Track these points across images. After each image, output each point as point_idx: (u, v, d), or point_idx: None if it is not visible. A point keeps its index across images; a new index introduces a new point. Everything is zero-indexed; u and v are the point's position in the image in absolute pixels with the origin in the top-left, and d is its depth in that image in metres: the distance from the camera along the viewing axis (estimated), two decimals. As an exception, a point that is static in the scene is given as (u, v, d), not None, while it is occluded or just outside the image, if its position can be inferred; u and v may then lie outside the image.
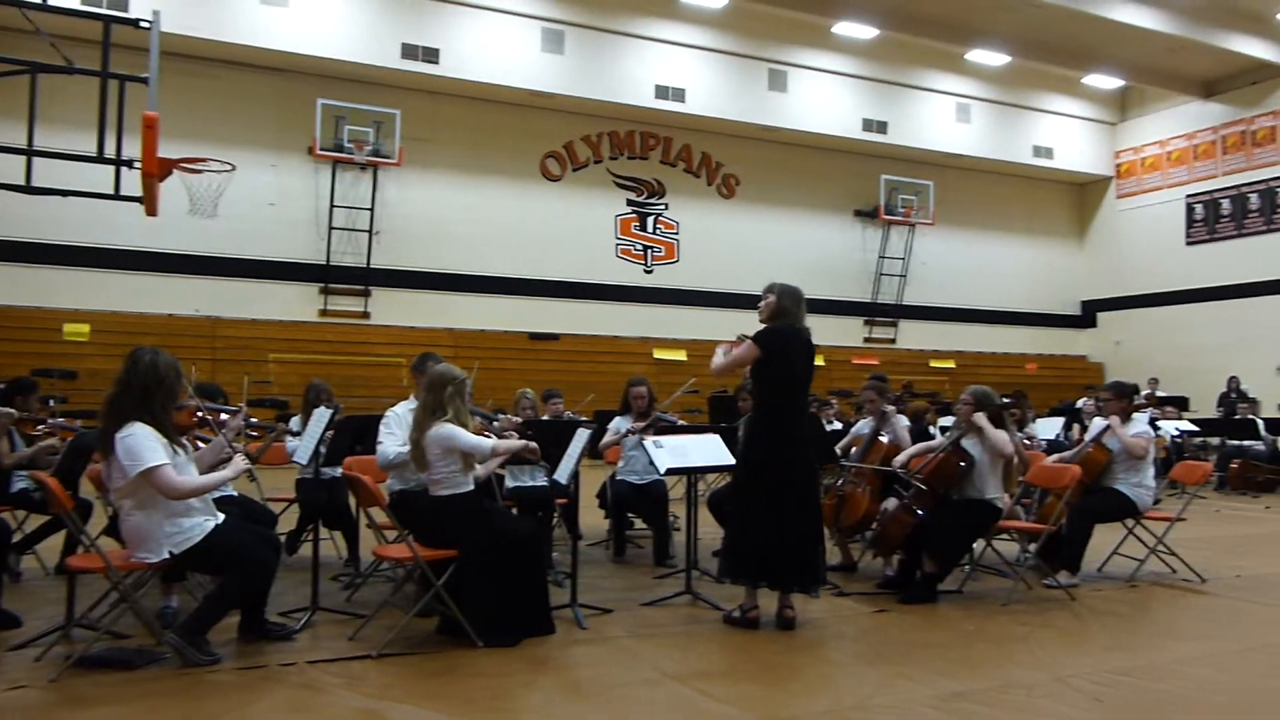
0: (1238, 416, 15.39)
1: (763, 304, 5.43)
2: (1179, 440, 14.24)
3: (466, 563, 4.83)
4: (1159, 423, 13.93)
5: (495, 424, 5.89)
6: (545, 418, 7.80)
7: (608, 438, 7.59)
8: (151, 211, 7.85)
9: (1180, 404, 16.47)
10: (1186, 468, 7.44)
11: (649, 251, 20.27)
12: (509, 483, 6.92)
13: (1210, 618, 5.87)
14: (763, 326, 5.38)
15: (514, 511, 6.49)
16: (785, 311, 5.37)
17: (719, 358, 5.40)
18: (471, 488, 5.05)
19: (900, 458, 6.51)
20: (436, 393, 5.00)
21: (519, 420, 5.91)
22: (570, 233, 19.34)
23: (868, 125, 21.05)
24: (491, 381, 15.37)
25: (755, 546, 5.17)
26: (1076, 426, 14.23)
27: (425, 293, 18.07)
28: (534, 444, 5.11)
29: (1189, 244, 22.42)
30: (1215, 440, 15.80)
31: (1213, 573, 7.09)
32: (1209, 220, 22.09)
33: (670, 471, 5.63)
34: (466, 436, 4.93)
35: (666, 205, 20.45)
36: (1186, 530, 8.15)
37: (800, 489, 5.20)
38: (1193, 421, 14.94)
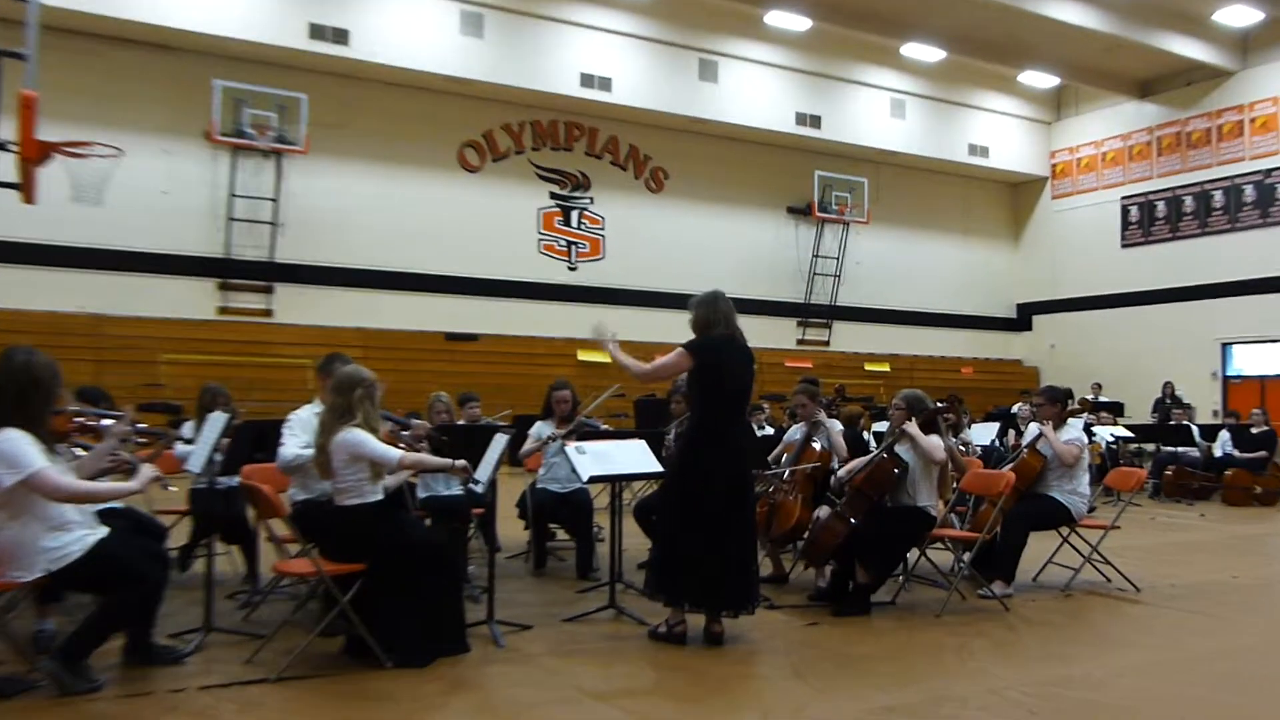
0: (1173, 422, 15.93)
1: (691, 318, 5.44)
2: (1114, 446, 14.69)
3: (375, 578, 4.75)
4: (1094, 428, 14.35)
5: (407, 432, 5.81)
6: (461, 422, 7.72)
7: (528, 444, 7.55)
8: (29, 199, 7.58)
9: (1115, 409, 16.99)
10: (1121, 474, 7.67)
11: (573, 247, 20.23)
12: (421, 491, 6.83)
13: (1145, 627, 6.06)
14: (694, 339, 5.39)
15: (427, 522, 6.41)
16: (711, 322, 5.37)
17: (621, 356, 5.37)
18: (380, 497, 4.97)
19: (841, 473, 6.59)
20: (344, 395, 4.91)
21: (428, 427, 5.83)
22: (490, 227, 19.19)
23: (801, 119, 21.33)
24: (405, 384, 15.17)
25: (686, 566, 5.17)
26: (1012, 432, 14.60)
27: (333, 289, 17.76)
28: (463, 461, 5.05)
29: (1124, 246, 23.18)
30: (1150, 447, 16.33)
31: (1148, 582, 7.32)
32: (1144, 223, 22.87)
33: (593, 479, 5.61)
34: (375, 444, 4.85)
35: (592, 199, 20.44)
36: (1121, 538, 8.40)
37: (736, 507, 5.21)
38: (1127, 427, 15.39)
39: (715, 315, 5.39)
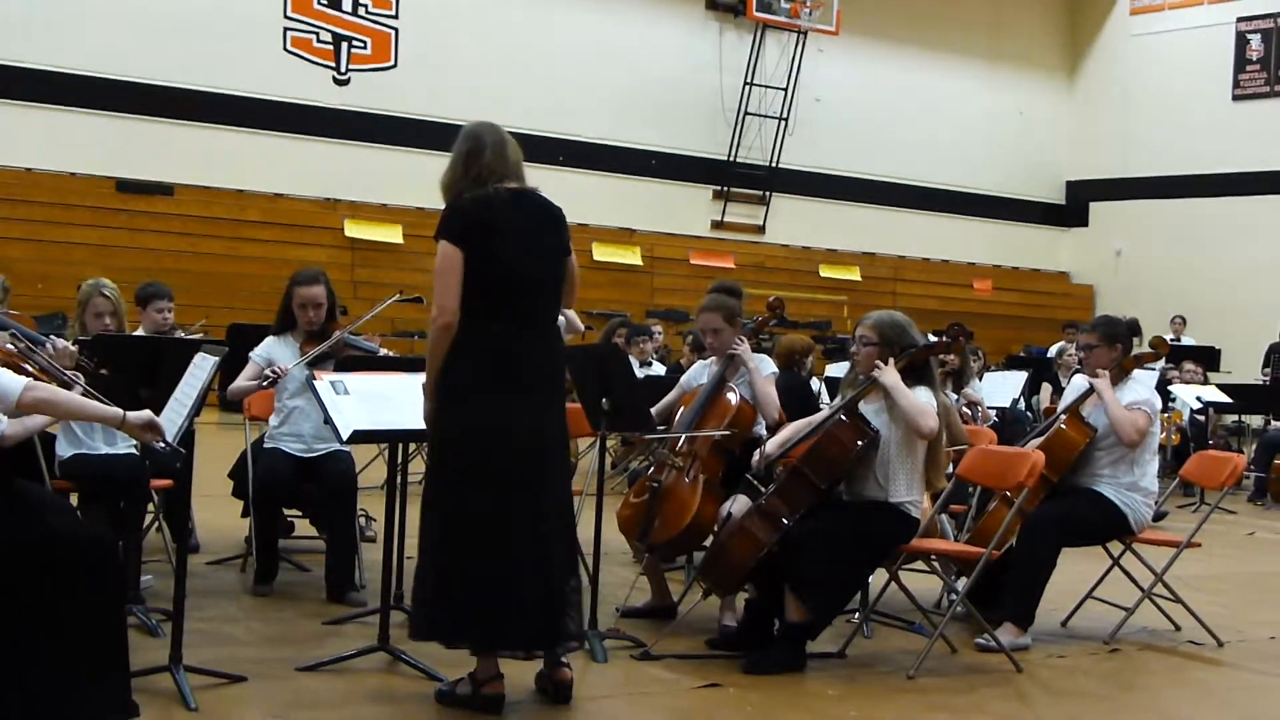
0: (1294, 385, 16.53)
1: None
2: (1200, 416, 15.22)
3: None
4: (1173, 387, 14.83)
5: (42, 350, 5.63)
6: (139, 333, 7.52)
7: (248, 373, 7.42)
8: None
9: (1206, 359, 17.50)
10: (1208, 461, 7.91)
11: (344, 46, 19.84)
12: (64, 448, 6.68)
13: (1226, 702, 6.32)
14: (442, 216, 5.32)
15: (70, 501, 6.27)
16: (472, 172, 5.32)
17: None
18: (-12, 456, 4.84)
19: (770, 445, 6.64)
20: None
21: (73, 350, 5.64)
22: (201, 1, 18.66)
23: None
24: (41, 265, 14.76)
25: (471, 582, 5.19)
26: (1047, 388, 15.01)
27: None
28: (146, 413, 4.91)
29: (1237, 98, 23.92)
30: (1256, 420, 16.89)
31: (1235, 631, 7.60)
32: (1270, 60, 23.51)
33: (359, 436, 5.54)
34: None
35: (379, -34, 20.09)
36: (1201, 562, 8.68)
37: (538, 475, 5.29)
38: (1223, 389, 15.86)
39: (481, 161, 5.32)
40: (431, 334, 5.30)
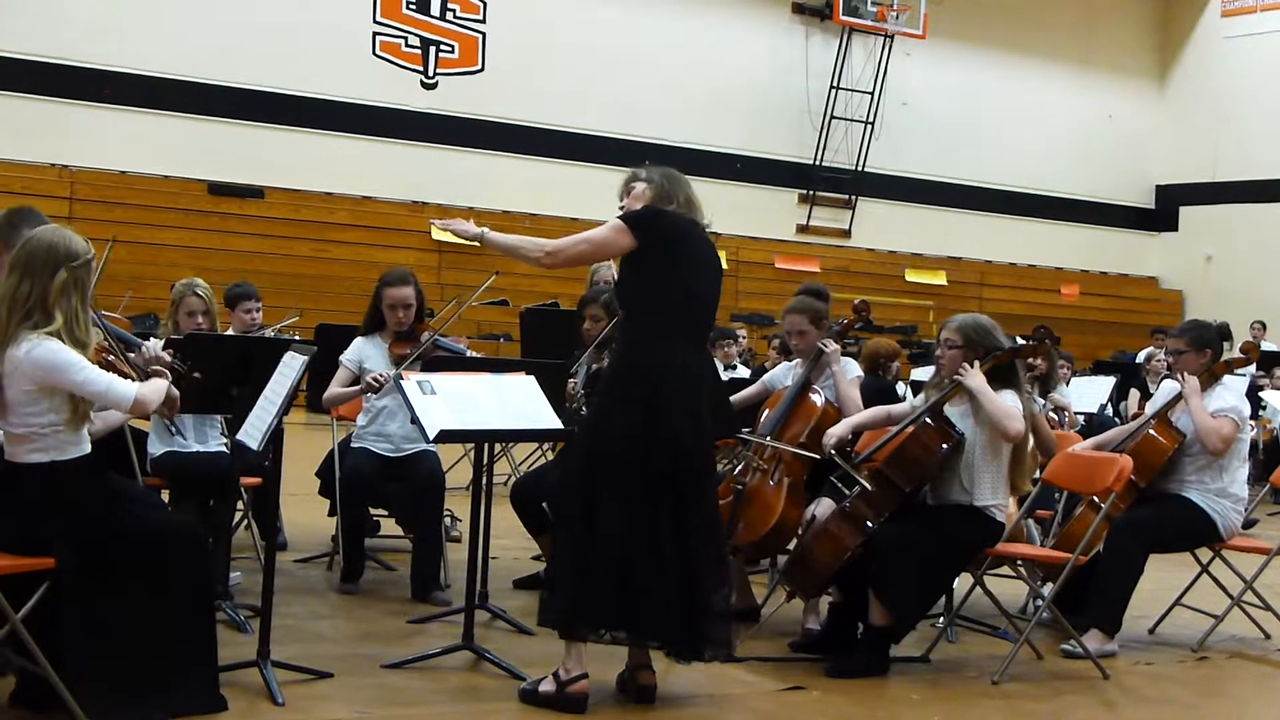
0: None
1: (630, 196, 5.59)
2: (1293, 424, 15.02)
3: (69, 584, 4.71)
4: (1264, 393, 14.64)
5: (134, 354, 5.69)
6: (230, 332, 7.61)
7: (342, 379, 7.48)
8: None
9: (1297, 364, 17.29)
10: (1300, 468, 7.85)
11: (432, 51, 19.96)
12: (155, 445, 6.75)
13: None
14: (640, 208, 5.49)
15: (162, 496, 6.35)
16: (669, 195, 5.54)
17: (499, 237, 5.50)
18: (86, 451, 4.91)
19: (838, 429, 6.63)
20: (36, 280, 4.80)
21: (163, 357, 5.68)
22: (291, 9, 18.86)
23: None
24: (137, 265, 14.97)
25: (615, 572, 5.25)
26: (1135, 394, 14.86)
27: (14, 98, 17.41)
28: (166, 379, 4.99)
29: (1335, 101, 23.54)
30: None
31: (1329, 640, 7.56)
32: (1368, 64, 23.20)
33: (446, 436, 5.58)
34: (87, 370, 4.75)
35: (468, -29, 20.22)
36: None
37: (689, 492, 5.37)
38: (1316, 394, 15.70)
39: (675, 190, 5.53)
40: (530, 250, 5.47)
